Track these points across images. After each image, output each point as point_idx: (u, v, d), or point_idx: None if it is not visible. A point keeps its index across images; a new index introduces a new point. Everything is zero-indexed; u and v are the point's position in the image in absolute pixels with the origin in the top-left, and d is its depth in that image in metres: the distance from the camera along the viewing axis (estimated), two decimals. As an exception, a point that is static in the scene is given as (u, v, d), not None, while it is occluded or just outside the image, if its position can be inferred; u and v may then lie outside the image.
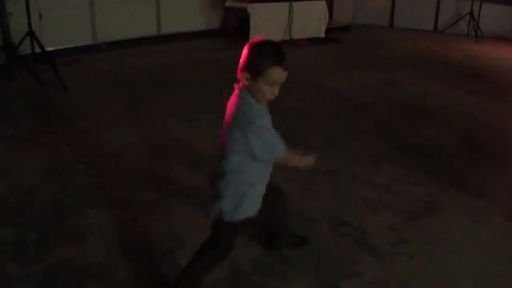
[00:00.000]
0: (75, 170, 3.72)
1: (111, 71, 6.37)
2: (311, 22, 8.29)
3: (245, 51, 2.12)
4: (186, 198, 3.32)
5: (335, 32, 8.99)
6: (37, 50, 5.77)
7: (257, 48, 2.11)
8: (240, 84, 2.16)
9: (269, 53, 2.09)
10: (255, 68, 2.08)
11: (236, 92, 2.18)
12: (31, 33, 5.63)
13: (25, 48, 5.77)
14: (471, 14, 9.21)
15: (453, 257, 2.84)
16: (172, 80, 6.07)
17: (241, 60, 2.12)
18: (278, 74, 2.09)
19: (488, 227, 3.16)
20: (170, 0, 7.87)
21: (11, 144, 4.15)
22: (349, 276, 2.64)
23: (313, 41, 8.43)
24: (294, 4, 7.95)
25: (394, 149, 4.28)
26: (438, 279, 2.66)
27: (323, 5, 8.40)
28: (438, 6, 10.02)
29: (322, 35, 8.48)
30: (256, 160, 2.16)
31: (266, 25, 7.67)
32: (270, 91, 2.13)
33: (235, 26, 8.27)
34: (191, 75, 6.33)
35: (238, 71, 2.14)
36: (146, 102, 5.21)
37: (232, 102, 2.19)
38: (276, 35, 7.85)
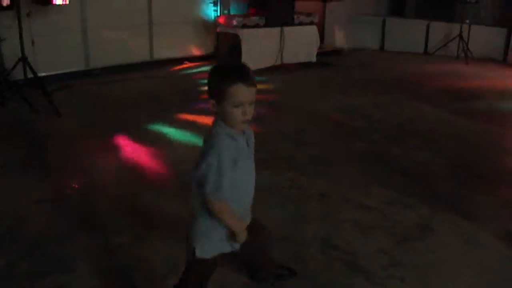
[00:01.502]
0: (66, 197, 3.71)
1: (103, 96, 6.40)
2: (303, 47, 8.40)
3: (208, 75, 2.06)
4: (180, 223, 3.30)
5: (326, 56, 9.09)
6: (30, 75, 5.78)
7: (215, 71, 2.05)
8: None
9: (227, 73, 2.00)
10: (217, 92, 1.99)
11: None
12: (24, 59, 5.66)
13: (18, 74, 5.78)
14: (460, 36, 9.36)
15: (445, 280, 2.83)
16: (163, 106, 6.10)
17: (207, 86, 2.05)
18: (241, 92, 1.96)
19: (480, 248, 3.16)
20: (163, 26, 7.95)
21: (2, 171, 4.13)
22: (341, 300, 2.63)
23: (304, 65, 8.52)
24: (286, 29, 8.05)
25: (385, 172, 4.30)
26: (430, 302, 2.65)
27: (314, 29, 8.52)
28: (428, 29, 10.19)
29: (314, 59, 8.58)
30: None
31: (257, 50, 7.77)
32: (240, 113, 1.99)
33: (228, 51, 8.37)
34: (182, 100, 6.36)
35: (207, 95, 2.06)
36: (139, 128, 5.22)
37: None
38: (268, 60, 7.96)
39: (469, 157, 4.73)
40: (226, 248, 2.20)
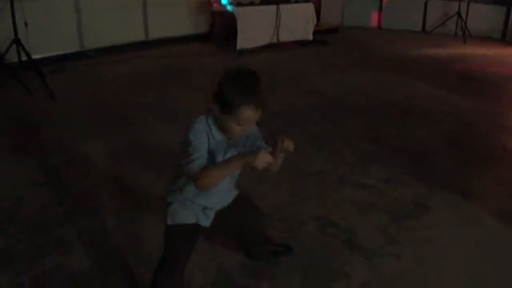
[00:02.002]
0: (63, 179, 3.70)
1: (98, 78, 6.35)
2: (299, 24, 8.31)
3: (220, 79, 2.00)
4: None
5: (323, 34, 9.03)
6: (24, 58, 5.73)
7: (228, 81, 1.99)
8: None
9: (241, 89, 1.95)
10: (224, 104, 1.97)
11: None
12: (17, 41, 5.60)
13: (12, 56, 5.73)
14: (458, 14, 9.29)
15: (441, 257, 2.85)
16: (161, 86, 6.05)
17: (215, 89, 2.02)
18: (251, 113, 1.97)
19: (476, 227, 3.17)
20: (157, 6, 7.85)
21: (-2, 153, 4.12)
22: (339, 277, 2.64)
23: (301, 43, 8.46)
24: (281, 6, 7.97)
25: (383, 151, 4.30)
26: (426, 279, 2.66)
27: (310, 7, 8.43)
28: (426, 7, 10.10)
29: (310, 37, 8.51)
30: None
31: (253, 28, 7.69)
32: (240, 129, 2.03)
33: (223, 30, 8.30)
34: (178, 80, 6.32)
35: (212, 98, 2.02)
36: (135, 108, 5.19)
37: None
38: (264, 38, 7.89)
39: (465, 136, 4.72)
40: (190, 220, 2.24)
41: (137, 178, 3.69)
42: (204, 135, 2.06)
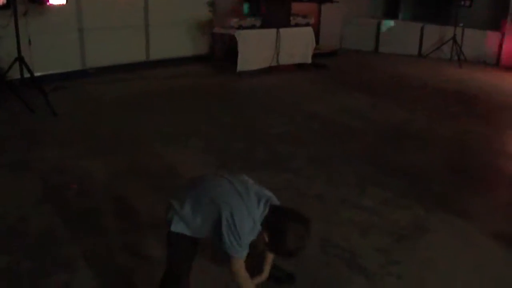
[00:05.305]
0: (66, 197, 3.73)
1: (100, 97, 6.41)
2: (298, 48, 8.43)
3: (290, 223, 2.20)
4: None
5: (322, 57, 9.15)
6: (26, 75, 5.77)
7: (296, 234, 2.19)
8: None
9: (299, 248, 2.21)
10: (278, 243, 2.20)
11: None
12: (20, 59, 5.65)
13: (14, 73, 5.77)
14: (454, 39, 9.44)
15: (442, 278, 2.89)
16: (159, 106, 6.13)
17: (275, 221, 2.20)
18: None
19: (474, 247, 3.24)
20: (159, 27, 7.97)
21: (0, 171, 4.14)
22: (341, 297, 2.68)
23: (300, 66, 8.57)
24: (282, 30, 8.09)
25: (381, 173, 4.35)
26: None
27: (309, 31, 8.56)
28: (422, 32, 10.27)
29: (309, 60, 8.62)
30: None
31: (253, 51, 7.79)
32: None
33: (223, 52, 8.40)
34: (178, 101, 6.38)
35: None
36: (135, 128, 5.24)
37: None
38: (264, 61, 7.98)
39: (463, 159, 4.79)
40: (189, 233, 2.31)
41: (140, 198, 3.72)
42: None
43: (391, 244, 3.21)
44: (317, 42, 9.07)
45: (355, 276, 2.87)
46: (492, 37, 9.62)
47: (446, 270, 2.97)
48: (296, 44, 8.36)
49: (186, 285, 2.30)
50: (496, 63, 9.59)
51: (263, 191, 2.32)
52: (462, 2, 9.26)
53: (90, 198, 3.73)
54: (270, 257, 2.50)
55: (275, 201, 2.29)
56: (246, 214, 2.15)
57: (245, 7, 8.15)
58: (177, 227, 2.25)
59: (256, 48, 7.83)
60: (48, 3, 6.21)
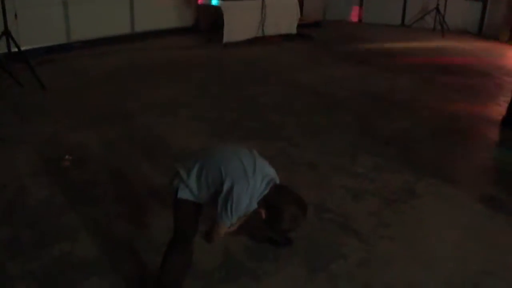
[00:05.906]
0: (62, 168, 3.76)
1: (86, 70, 6.37)
2: (284, 18, 8.43)
3: (286, 205, 2.27)
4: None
5: (306, 28, 9.16)
6: (13, 49, 5.72)
7: (294, 216, 2.27)
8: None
9: (295, 226, 2.31)
10: (274, 222, 2.29)
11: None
12: (7, 33, 5.59)
13: (1, 48, 5.71)
14: (437, 9, 9.52)
15: (431, 238, 3.04)
16: (147, 78, 6.12)
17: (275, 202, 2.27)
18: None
19: (460, 210, 3.39)
20: (144, -1, 7.89)
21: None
22: (337, 258, 2.81)
23: (286, 37, 8.58)
24: (267, 0, 8.07)
25: (371, 141, 4.47)
26: (418, 258, 2.85)
27: (294, 1, 8.56)
28: (405, 2, 10.32)
29: (294, 31, 8.64)
30: None
31: (239, 22, 7.78)
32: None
33: (209, 23, 8.37)
34: (166, 73, 6.39)
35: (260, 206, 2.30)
36: (125, 100, 5.25)
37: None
38: (250, 32, 7.98)
39: (447, 125, 4.93)
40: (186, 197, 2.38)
41: (136, 167, 3.79)
42: None
43: (382, 208, 3.35)
44: (301, 13, 9.07)
45: (349, 238, 3.00)
46: (474, 7, 9.73)
47: (436, 232, 3.12)
48: (281, 14, 8.37)
49: (190, 248, 2.40)
50: (479, 33, 9.72)
51: (268, 168, 2.39)
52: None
53: (86, 168, 3.77)
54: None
55: (277, 181, 2.37)
56: (246, 190, 2.23)
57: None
58: (183, 194, 2.34)
59: (241, 19, 7.82)
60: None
